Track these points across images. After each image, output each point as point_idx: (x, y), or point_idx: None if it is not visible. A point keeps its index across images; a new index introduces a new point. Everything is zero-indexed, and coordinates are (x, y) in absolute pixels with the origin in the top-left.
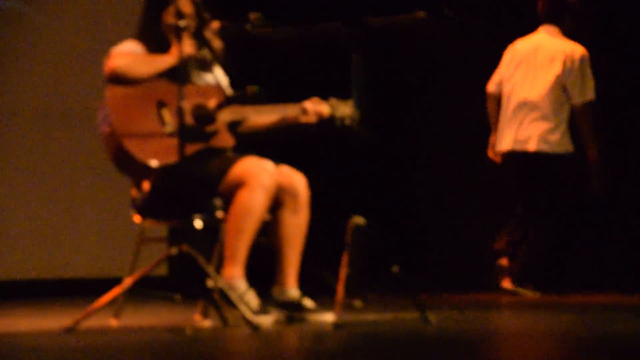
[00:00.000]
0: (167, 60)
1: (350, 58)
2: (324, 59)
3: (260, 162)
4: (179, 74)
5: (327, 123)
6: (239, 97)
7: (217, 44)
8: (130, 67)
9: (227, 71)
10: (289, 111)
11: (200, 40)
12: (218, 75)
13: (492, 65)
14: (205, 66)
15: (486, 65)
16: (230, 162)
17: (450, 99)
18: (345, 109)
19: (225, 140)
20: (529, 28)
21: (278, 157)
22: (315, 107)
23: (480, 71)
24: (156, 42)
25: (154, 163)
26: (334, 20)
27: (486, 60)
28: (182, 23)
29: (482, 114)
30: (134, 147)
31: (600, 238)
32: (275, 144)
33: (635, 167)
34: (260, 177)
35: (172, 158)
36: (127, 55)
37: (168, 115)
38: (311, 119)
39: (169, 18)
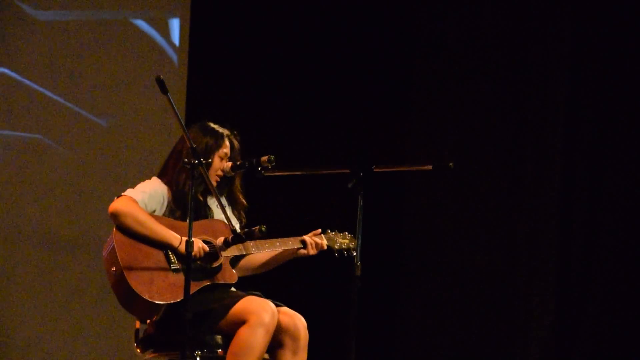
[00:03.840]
0: (167, 237)
1: (355, 200)
2: (330, 201)
3: (262, 301)
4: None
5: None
6: (247, 235)
7: (240, 196)
8: (126, 218)
9: (240, 220)
10: (289, 244)
11: (226, 186)
12: (228, 212)
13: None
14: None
15: (481, 217)
16: (233, 300)
17: (447, 247)
18: (343, 241)
19: (229, 276)
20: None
21: (278, 297)
22: (314, 240)
23: (478, 221)
24: (182, 179)
25: (159, 302)
26: (342, 168)
27: (479, 212)
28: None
29: (478, 262)
30: (140, 287)
31: None
32: (275, 284)
33: None
34: (261, 316)
35: (177, 296)
36: (132, 205)
37: (174, 256)
38: (311, 251)
39: (187, 154)
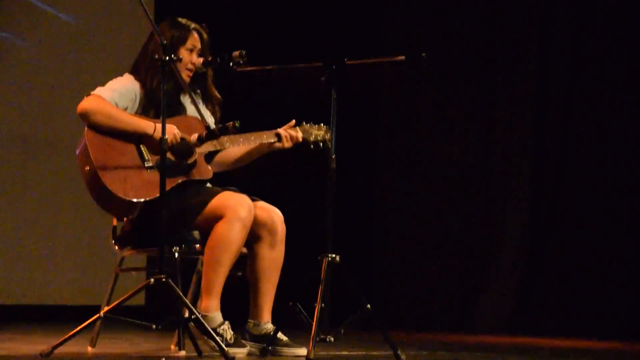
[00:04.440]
0: (141, 125)
1: (329, 94)
2: (303, 94)
3: (238, 196)
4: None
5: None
6: (221, 131)
7: (214, 91)
8: (95, 116)
9: (215, 115)
10: (264, 138)
11: (199, 82)
12: (202, 109)
13: (461, 108)
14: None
15: (456, 109)
16: (208, 196)
17: (422, 138)
18: (319, 132)
19: (204, 172)
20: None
21: (254, 192)
22: (289, 133)
23: (451, 113)
24: (153, 77)
25: (135, 199)
26: (316, 61)
27: (456, 104)
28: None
29: (452, 154)
30: (114, 185)
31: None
32: (250, 180)
33: None
34: (237, 210)
35: (152, 193)
36: (101, 102)
37: (147, 151)
38: (286, 144)
39: (157, 51)
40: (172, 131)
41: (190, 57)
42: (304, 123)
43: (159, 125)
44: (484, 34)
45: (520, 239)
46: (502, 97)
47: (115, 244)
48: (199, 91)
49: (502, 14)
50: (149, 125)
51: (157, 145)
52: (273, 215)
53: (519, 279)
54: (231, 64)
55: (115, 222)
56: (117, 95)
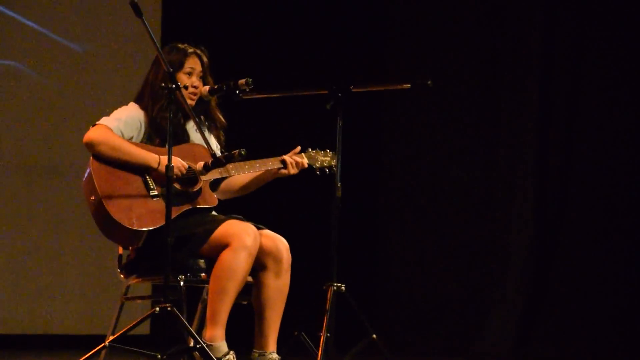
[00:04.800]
0: (145, 158)
1: (335, 122)
2: (309, 122)
3: (244, 224)
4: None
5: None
6: (227, 159)
7: (219, 116)
8: (100, 146)
9: (219, 140)
10: (269, 165)
11: (203, 107)
12: (207, 135)
13: (464, 135)
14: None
15: (460, 135)
16: (214, 224)
17: (426, 164)
18: (324, 159)
19: (209, 200)
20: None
21: (259, 220)
22: (295, 159)
23: (456, 140)
24: (155, 105)
25: (140, 228)
26: (321, 89)
27: (458, 131)
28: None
29: (456, 180)
30: (119, 214)
31: None
32: (255, 208)
33: None
34: (243, 239)
35: (157, 222)
36: (106, 132)
37: (152, 181)
38: (291, 171)
39: (160, 78)
40: (177, 164)
41: (190, 80)
42: (310, 149)
43: (163, 159)
44: (486, 51)
45: (525, 263)
46: (505, 114)
47: (121, 272)
48: (202, 117)
49: (504, 31)
50: (153, 159)
51: (162, 176)
52: (278, 243)
53: (524, 304)
54: (237, 91)
55: (120, 250)
56: (122, 125)
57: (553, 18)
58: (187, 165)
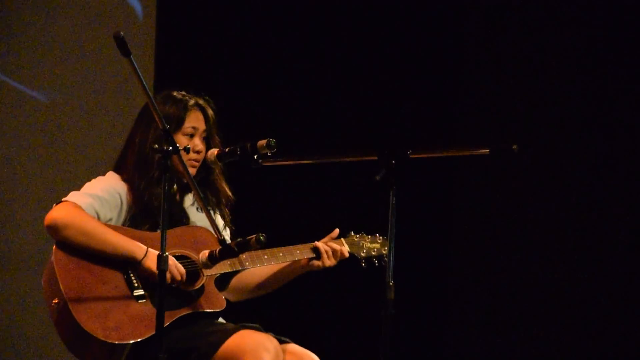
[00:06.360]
0: (127, 247)
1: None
2: (351, 193)
3: (261, 336)
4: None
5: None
6: (240, 247)
7: (225, 189)
8: (67, 231)
9: (225, 220)
10: (297, 254)
11: (205, 177)
12: (213, 215)
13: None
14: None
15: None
16: (221, 335)
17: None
18: (372, 246)
19: (215, 302)
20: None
21: (283, 331)
22: (332, 246)
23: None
24: (145, 176)
25: (118, 342)
26: (368, 154)
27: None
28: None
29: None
30: (90, 323)
31: None
32: (279, 311)
33: None
34: (260, 356)
35: (144, 332)
36: (76, 212)
37: (136, 277)
38: (327, 262)
39: (154, 139)
40: (172, 267)
41: (192, 143)
42: (352, 233)
43: (151, 251)
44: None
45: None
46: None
47: None
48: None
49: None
50: (139, 249)
51: (150, 272)
52: None
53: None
54: (256, 156)
55: None
56: (97, 202)
57: None
58: (184, 271)
